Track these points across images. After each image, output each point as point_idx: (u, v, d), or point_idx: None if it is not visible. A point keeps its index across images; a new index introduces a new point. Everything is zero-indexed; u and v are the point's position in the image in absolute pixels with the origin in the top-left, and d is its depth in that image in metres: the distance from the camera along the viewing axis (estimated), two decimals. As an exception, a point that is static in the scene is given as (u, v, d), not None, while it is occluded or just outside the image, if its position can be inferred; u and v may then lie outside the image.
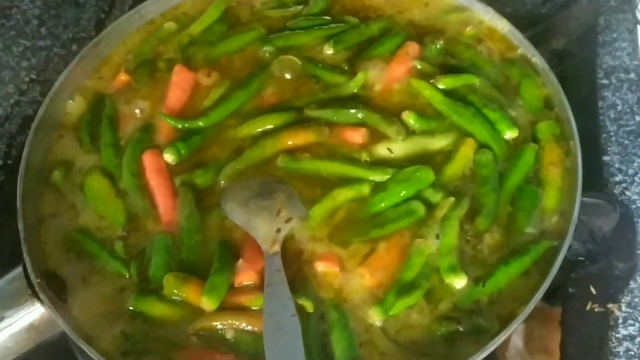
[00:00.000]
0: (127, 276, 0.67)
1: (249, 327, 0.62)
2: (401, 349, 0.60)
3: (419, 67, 0.79)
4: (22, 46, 1.02)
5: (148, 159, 0.74)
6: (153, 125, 0.78)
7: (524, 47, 0.81)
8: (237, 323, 0.62)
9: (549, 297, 0.82)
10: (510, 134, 0.74)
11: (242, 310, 0.63)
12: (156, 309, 0.64)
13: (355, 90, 0.78)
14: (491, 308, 0.63)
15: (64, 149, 0.78)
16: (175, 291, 0.64)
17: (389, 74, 0.79)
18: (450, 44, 0.82)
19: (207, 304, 0.62)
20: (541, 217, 0.68)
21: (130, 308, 0.64)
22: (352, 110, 0.75)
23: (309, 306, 0.62)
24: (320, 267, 0.65)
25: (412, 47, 0.80)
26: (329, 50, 0.82)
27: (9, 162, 0.90)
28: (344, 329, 0.61)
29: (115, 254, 0.68)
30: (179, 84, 0.80)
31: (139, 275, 0.67)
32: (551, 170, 0.71)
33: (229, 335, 0.62)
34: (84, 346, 0.59)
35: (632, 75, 0.94)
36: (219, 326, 0.62)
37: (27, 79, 0.98)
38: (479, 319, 0.62)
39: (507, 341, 0.95)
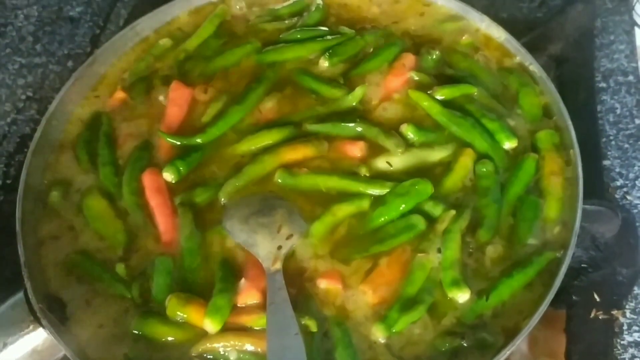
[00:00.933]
0: (130, 297, 0.67)
1: (252, 348, 0.61)
2: (405, 365, 0.60)
3: (416, 78, 0.79)
4: (17, 64, 1.01)
5: (148, 178, 0.73)
6: (151, 143, 0.78)
7: (521, 55, 0.80)
8: (240, 344, 0.61)
9: (553, 300, 0.82)
10: (509, 144, 0.73)
11: (245, 330, 0.62)
12: (159, 330, 0.64)
13: (354, 104, 0.77)
14: (495, 322, 0.63)
15: (62, 168, 0.78)
16: (178, 312, 0.64)
17: (386, 87, 0.79)
18: (447, 53, 0.82)
19: (211, 325, 0.62)
20: (543, 228, 0.68)
21: (134, 331, 0.64)
22: (351, 124, 0.75)
23: (312, 325, 0.62)
24: (323, 284, 0.65)
25: (409, 59, 0.80)
26: (324, 64, 0.81)
27: (8, 181, 0.89)
28: (347, 346, 0.61)
29: (116, 276, 0.68)
30: (176, 101, 0.80)
31: (141, 297, 0.66)
32: (552, 180, 0.70)
33: (232, 356, 0.61)
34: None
35: (631, 77, 0.94)
36: (222, 348, 0.62)
37: (23, 97, 0.98)
38: (483, 333, 0.61)
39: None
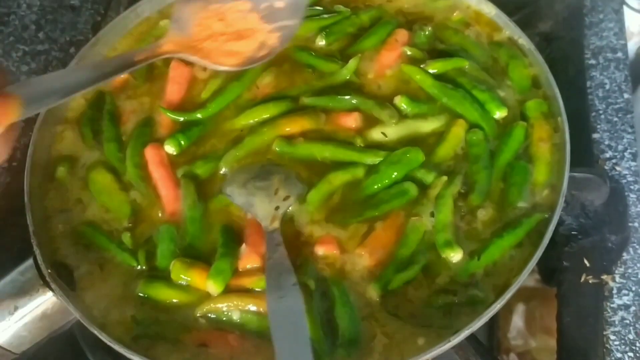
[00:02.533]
0: (136, 265, 0.69)
1: (254, 308, 0.64)
2: (401, 321, 0.62)
3: (409, 53, 0.81)
4: (21, 51, 1.03)
5: (150, 152, 0.76)
6: (153, 119, 0.80)
7: (510, 29, 0.82)
8: (242, 304, 0.64)
9: (548, 278, 0.84)
10: (499, 113, 0.76)
11: (246, 292, 0.65)
12: (164, 293, 0.66)
13: (348, 77, 0.79)
14: (487, 280, 0.65)
15: (68, 145, 0.80)
16: (182, 276, 0.66)
17: (380, 62, 0.81)
18: (439, 29, 0.84)
19: (213, 287, 0.64)
20: (532, 192, 0.70)
21: (140, 294, 0.66)
22: (347, 97, 0.77)
23: (310, 284, 0.64)
24: (321, 251, 0.67)
25: (402, 34, 0.82)
26: (321, 42, 0.84)
27: (14, 164, 0.91)
28: (345, 304, 0.63)
29: (123, 245, 0.70)
30: (176, 79, 0.82)
31: (147, 263, 0.68)
32: (540, 146, 0.73)
33: (235, 316, 0.64)
34: (96, 332, 0.61)
35: (619, 54, 0.96)
36: (225, 308, 0.64)
37: (27, 83, 1.00)
38: (475, 290, 0.64)
39: (508, 322, 0.97)
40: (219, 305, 0.64)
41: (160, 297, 0.66)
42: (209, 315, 0.65)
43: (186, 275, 0.66)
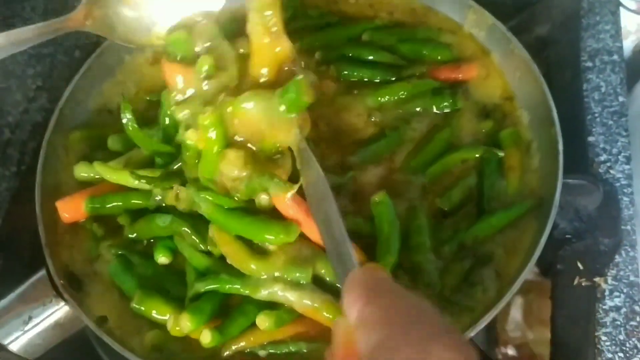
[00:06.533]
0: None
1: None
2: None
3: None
4: (26, 54, 1.04)
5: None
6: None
7: (507, 40, 0.84)
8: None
9: (545, 271, 0.87)
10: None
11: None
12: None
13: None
14: None
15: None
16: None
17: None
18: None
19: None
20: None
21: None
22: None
23: None
24: None
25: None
26: None
27: (22, 167, 0.93)
28: None
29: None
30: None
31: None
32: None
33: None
34: (108, 341, 0.63)
35: (615, 57, 0.97)
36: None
37: (33, 87, 1.01)
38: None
39: (507, 315, 1.00)
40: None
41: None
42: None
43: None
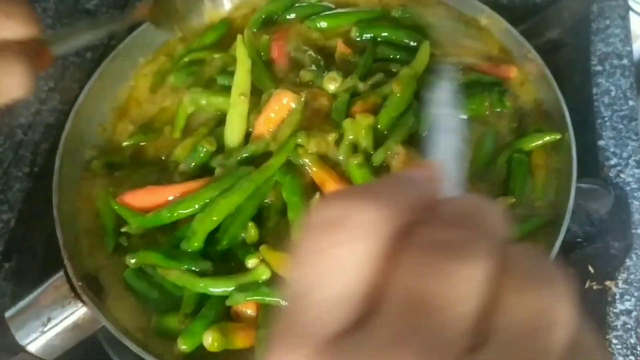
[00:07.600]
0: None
1: None
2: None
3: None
4: (38, 55, 1.06)
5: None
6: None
7: (519, 44, 0.84)
8: None
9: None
10: None
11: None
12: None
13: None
14: None
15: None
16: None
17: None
18: None
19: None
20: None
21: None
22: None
23: None
24: None
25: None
26: None
27: (35, 169, 0.94)
28: None
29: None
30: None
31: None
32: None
33: None
34: (127, 343, 0.64)
35: (625, 61, 0.98)
36: None
37: (45, 88, 1.02)
38: None
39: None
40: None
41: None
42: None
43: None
